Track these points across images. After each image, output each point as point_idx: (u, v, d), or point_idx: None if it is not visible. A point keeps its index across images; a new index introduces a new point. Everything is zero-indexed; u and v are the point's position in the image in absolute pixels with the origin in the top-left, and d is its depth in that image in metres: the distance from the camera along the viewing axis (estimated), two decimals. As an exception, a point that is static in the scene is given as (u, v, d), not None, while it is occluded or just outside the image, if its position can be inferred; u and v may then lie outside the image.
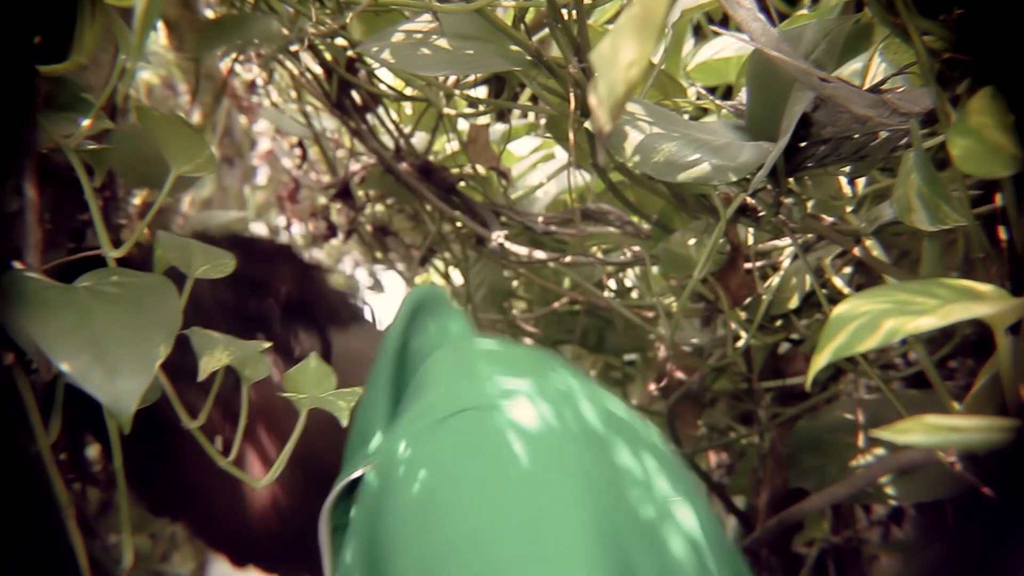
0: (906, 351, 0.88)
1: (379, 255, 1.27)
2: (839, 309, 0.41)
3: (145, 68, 1.40)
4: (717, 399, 1.13)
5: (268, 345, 0.62)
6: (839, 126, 0.58)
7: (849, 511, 1.03)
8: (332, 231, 1.23)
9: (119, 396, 0.47)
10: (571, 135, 0.75)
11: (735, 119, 0.74)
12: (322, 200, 1.27)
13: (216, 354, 0.59)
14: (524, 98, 1.07)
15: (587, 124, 0.73)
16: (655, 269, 0.88)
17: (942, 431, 0.38)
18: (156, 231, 0.61)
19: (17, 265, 0.58)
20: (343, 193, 1.11)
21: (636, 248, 0.93)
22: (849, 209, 0.71)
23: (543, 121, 1.07)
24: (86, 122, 0.54)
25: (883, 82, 0.58)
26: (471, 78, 0.96)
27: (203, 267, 0.59)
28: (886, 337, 0.38)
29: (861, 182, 0.71)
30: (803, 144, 0.63)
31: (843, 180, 0.70)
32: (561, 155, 1.11)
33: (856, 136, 0.58)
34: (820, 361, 0.40)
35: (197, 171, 0.56)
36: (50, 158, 0.66)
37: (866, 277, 0.81)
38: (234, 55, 1.15)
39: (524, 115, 1.17)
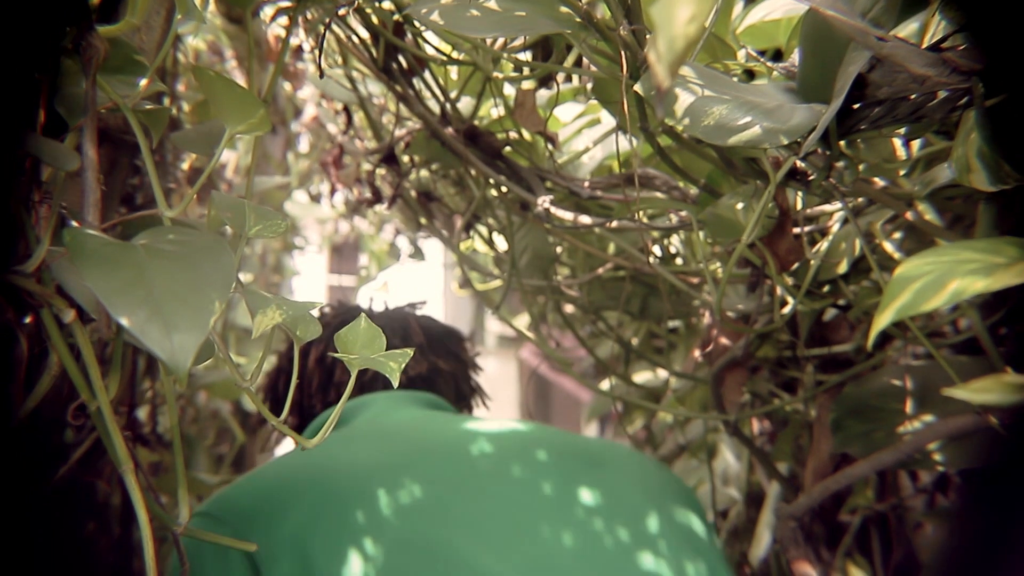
0: (955, 318, 0.87)
1: (423, 221, 1.28)
2: (902, 268, 0.40)
3: (193, 34, 1.41)
4: (760, 367, 1.13)
5: (320, 304, 0.63)
6: (895, 87, 0.57)
7: (893, 479, 1.03)
8: (377, 197, 1.24)
9: (176, 351, 0.48)
10: (623, 98, 0.74)
11: (787, 81, 0.73)
12: (366, 166, 1.27)
13: (269, 313, 0.60)
14: (570, 62, 1.06)
15: (636, 87, 0.72)
16: (702, 234, 0.88)
17: (1019, 390, 0.38)
18: (211, 191, 0.62)
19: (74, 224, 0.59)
20: (388, 158, 1.11)
21: (683, 213, 0.92)
22: (902, 173, 0.70)
23: (589, 86, 1.07)
24: (144, 81, 0.55)
25: (943, 40, 0.57)
26: (518, 41, 0.95)
27: (257, 227, 0.60)
28: (952, 296, 0.38)
29: (916, 144, 0.69)
30: (857, 106, 0.62)
31: (897, 142, 0.69)
32: (607, 120, 1.10)
33: (913, 96, 0.57)
34: (883, 320, 0.40)
35: (251, 130, 0.57)
36: (103, 121, 0.67)
37: (917, 242, 0.80)
38: (281, 21, 1.16)
39: (569, 80, 1.16)
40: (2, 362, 0.53)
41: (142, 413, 1.22)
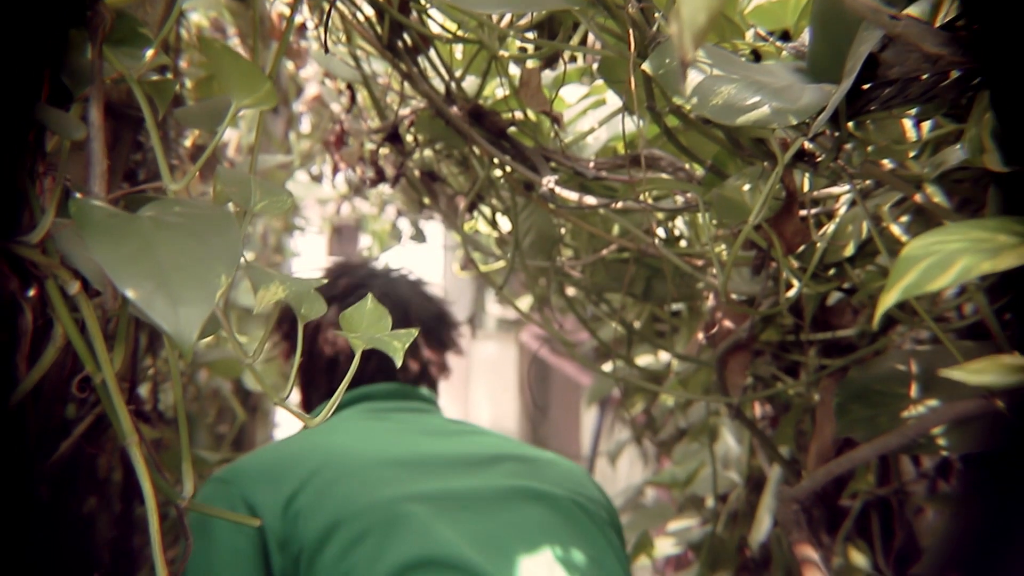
0: (960, 303, 0.87)
1: (426, 201, 1.27)
2: (909, 247, 0.40)
3: (195, 9, 1.40)
4: (762, 351, 1.13)
5: (322, 279, 0.63)
6: (907, 66, 0.57)
7: (895, 464, 1.03)
8: (380, 176, 1.23)
9: (181, 324, 0.47)
10: (629, 77, 0.74)
11: (796, 62, 0.73)
12: (369, 146, 1.27)
13: (272, 288, 0.60)
14: (575, 42, 1.05)
15: (644, 66, 0.72)
16: (707, 216, 0.87)
17: (1017, 371, 0.38)
18: (216, 166, 0.61)
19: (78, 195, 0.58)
20: (392, 137, 1.11)
21: (689, 194, 0.92)
22: (911, 155, 0.69)
23: (595, 66, 1.06)
24: (150, 52, 0.54)
25: (957, 19, 0.57)
26: (524, 20, 0.95)
27: (262, 203, 0.60)
28: (959, 275, 0.37)
29: (925, 126, 0.69)
30: (867, 86, 0.62)
31: (907, 124, 0.69)
32: (612, 100, 1.10)
33: (925, 77, 0.57)
34: (889, 299, 0.40)
35: (257, 104, 0.56)
36: (105, 95, 0.67)
37: (924, 226, 0.80)
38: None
39: (574, 60, 1.16)
40: (6, 333, 0.52)
41: (143, 390, 1.22)
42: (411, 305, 1.27)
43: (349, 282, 1.27)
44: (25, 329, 0.53)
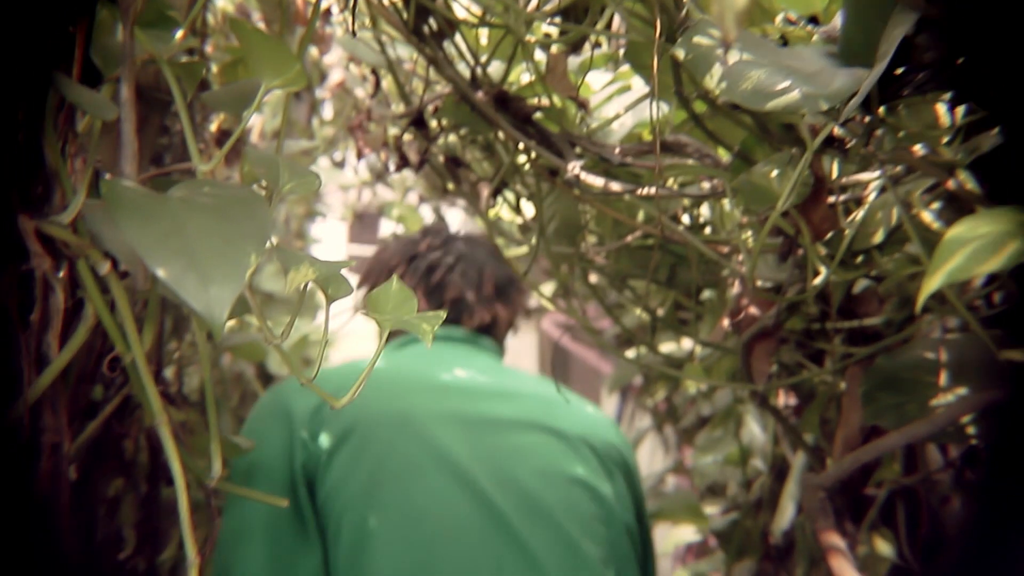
0: (990, 291, 0.86)
1: (450, 187, 1.27)
2: (954, 231, 0.39)
3: (222, -6, 1.40)
4: (787, 338, 1.12)
5: (350, 263, 0.63)
6: (943, 50, 0.56)
7: (921, 453, 1.02)
8: (404, 161, 1.23)
9: (211, 303, 0.47)
10: (655, 62, 0.73)
11: (827, 46, 0.72)
12: (394, 130, 1.27)
13: (302, 270, 0.60)
14: (601, 27, 1.05)
15: (673, 51, 0.71)
16: (734, 202, 0.87)
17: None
18: (244, 147, 0.61)
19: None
20: (417, 122, 1.10)
21: (715, 181, 0.91)
22: (944, 140, 0.68)
23: (622, 52, 1.06)
24: (179, 33, 0.54)
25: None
26: (551, 4, 0.94)
27: (290, 184, 0.60)
28: (1010, 259, 0.37)
29: (960, 111, 0.68)
30: (901, 70, 0.61)
31: (941, 108, 0.68)
32: (637, 86, 1.09)
33: (960, 60, 0.56)
34: (933, 284, 0.39)
35: (287, 85, 0.56)
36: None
37: (957, 213, 0.79)
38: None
39: (599, 46, 1.15)
40: (41, 313, 0.53)
41: (168, 373, 1.22)
42: (487, 266, 1.42)
43: (431, 242, 1.44)
44: (57, 309, 0.54)
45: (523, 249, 1.45)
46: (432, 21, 1.02)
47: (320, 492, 1.12)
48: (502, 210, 1.41)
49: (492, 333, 1.42)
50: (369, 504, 1.10)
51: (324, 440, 1.13)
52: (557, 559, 1.12)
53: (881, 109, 0.65)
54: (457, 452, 1.14)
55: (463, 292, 1.38)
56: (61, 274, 0.56)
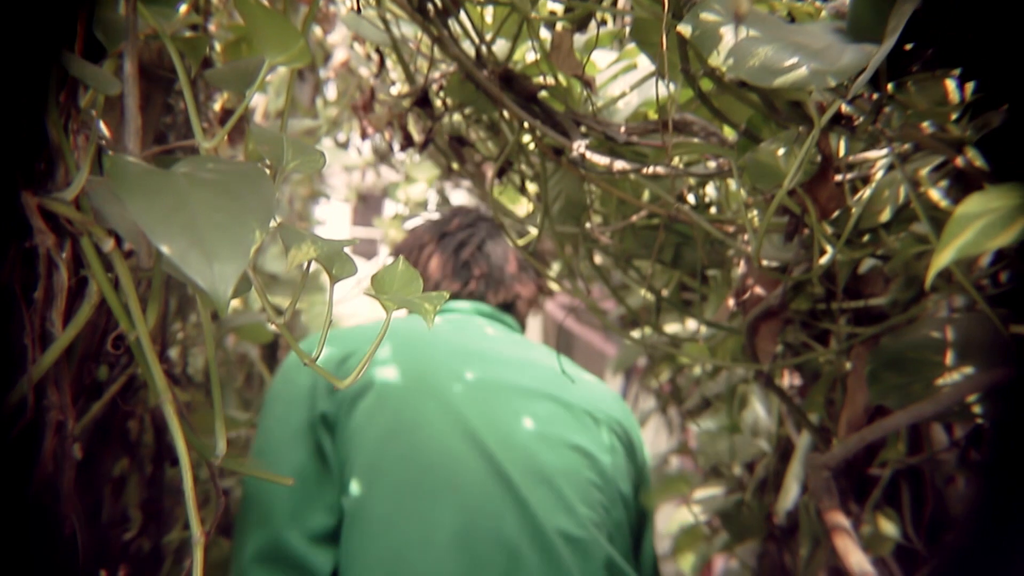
0: (996, 271, 0.86)
1: (455, 167, 1.26)
2: (965, 206, 0.39)
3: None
4: (792, 318, 1.12)
5: (354, 241, 0.63)
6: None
7: (926, 433, 1.02)
8: (408, 140, 1.23)
9: (216, 280, 0.47)
10: (662, 39, 0.73)
11: (835, 21, 0.71)
12: (398, 110, 1.26)
13: (304, 248, 0.59)
14: (607, 2, 1.04)
15: (680, 27, 0.70)
16: (740, 181, 0.86)
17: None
18: (247, 125, 0.61)
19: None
20: (422, 101, 1.10)
21: (721, 159, 0.91)
22: (953, 117, 0.68)
23: (627, 30, 1.05)
24: (184, 7, 0.54)
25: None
26: (557, -19, 0.93)
27: (294, 161, 0.59)
28: (1021, 234, 0.36)
29: (969, 88, 0.68)
30: (910, 46, 0.60)
31: (951, 85, 0.67)
32: (643, 65, 1.08)
33: (972, 35, 0.55)
34: (943, 259, 0.38)
35: (291, 61, 0.56)
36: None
37: (964, 190, 0.79)
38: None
39: (604, 23, 1.14)
40: (45, 290, 0.53)
41: (173, 354, 1.23)
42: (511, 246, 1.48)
43: (461, 221, 1.51)
44: (61, 286, 0.53)
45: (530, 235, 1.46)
46: (436, -1, 1.01)
47: (340, 437, 1.19)
48: (508, 190, 1.40)
49: (514, 310, 1.49)
50: (382, 451, 1.17)
51: (347, 390, 1.20)
52: (553, 517, 1.19)
53: (890, 86, 0.65)
54: (469, 411, 1.22)
55: (489, 269, 1.45)
56: (65, 252, 0.56)
